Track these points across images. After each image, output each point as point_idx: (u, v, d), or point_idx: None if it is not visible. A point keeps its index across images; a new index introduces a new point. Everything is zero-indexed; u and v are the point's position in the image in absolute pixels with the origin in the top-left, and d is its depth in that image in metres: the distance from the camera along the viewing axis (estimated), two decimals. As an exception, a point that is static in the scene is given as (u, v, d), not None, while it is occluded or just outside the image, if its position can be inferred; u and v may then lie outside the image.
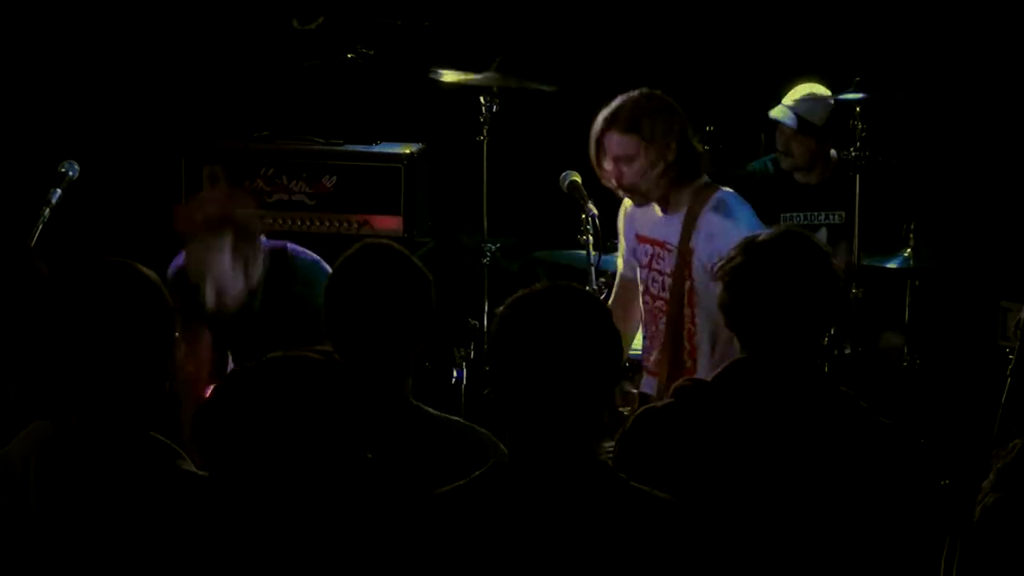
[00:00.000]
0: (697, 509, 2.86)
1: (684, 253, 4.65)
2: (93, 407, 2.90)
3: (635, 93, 4.76)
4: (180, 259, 4.68)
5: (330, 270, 4.66)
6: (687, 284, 4.66)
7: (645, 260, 4.82)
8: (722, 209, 4.65)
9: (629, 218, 4.88)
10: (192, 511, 2.84)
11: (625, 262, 4.94)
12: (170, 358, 2.97)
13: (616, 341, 2.86)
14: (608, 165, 4.67)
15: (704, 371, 4.59)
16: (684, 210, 4.65)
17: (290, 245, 4.86)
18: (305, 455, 2.70)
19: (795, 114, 5.89)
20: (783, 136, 5.96)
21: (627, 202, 4.85)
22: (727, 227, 4.56)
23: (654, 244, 4.79)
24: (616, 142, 4.67)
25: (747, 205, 4.70)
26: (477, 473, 2.85)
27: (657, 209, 4.77)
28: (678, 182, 4.68)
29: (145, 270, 2.98)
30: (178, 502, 2.86)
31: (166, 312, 2.96)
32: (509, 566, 2.75)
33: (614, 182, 4.69)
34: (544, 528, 2.75)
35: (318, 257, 4.82)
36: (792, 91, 5.97)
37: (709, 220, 4.64)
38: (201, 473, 2.91)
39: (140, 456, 2.90)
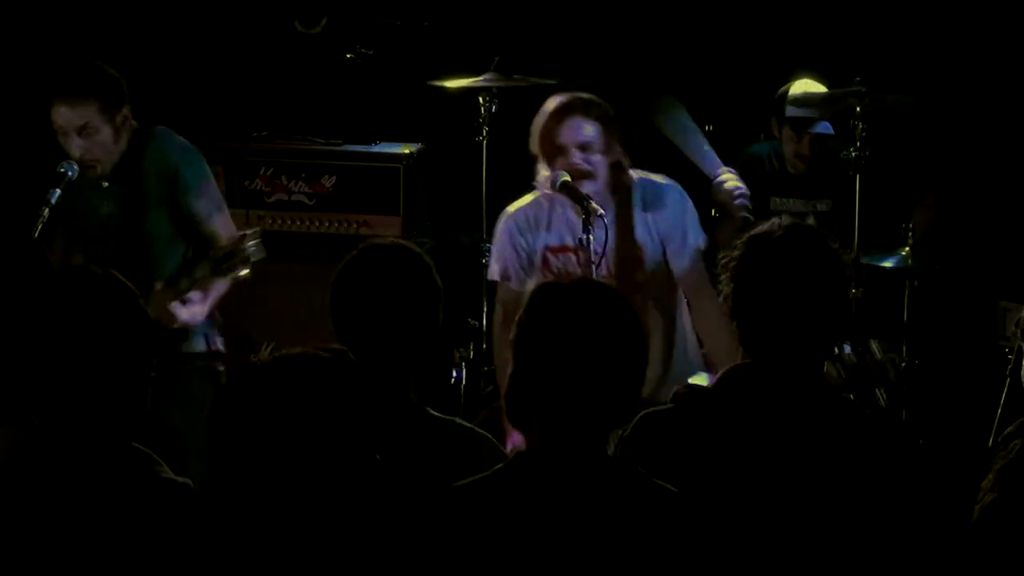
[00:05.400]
0: (714, 505, 2.87)
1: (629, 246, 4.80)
2: (70, 416, 2.89)
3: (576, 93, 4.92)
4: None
5: (194, 150, 5.01)
6: (638, 270, 4.87)
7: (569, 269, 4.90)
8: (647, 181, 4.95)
9: (525, 231, 4.96)
10: (173, 519, 2.84)
11: (515, 278, 5.00)
12: (149, 369, 2.97)
13: (642, 336, 2.87)
14: (575, 150, 4.73)
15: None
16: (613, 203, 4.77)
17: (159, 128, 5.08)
18: (312, 454, 2.70)
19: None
20: (816, 144, 5.92)
21: (512, 219, 4.99)
22: (661, 186, 4.93)
23: (575, 251, 4.87)
24: (588, 128, 4.81)
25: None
26: (500, 465, 2.86)
27: (572, 212, 4.84)
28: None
29: (123, 279, 2.98)
30: (159, 510, 2.85)
31: (143, 323, 2.97)
32: (531, 558, 2.75)
33: (581, 166, 4.77)
34: (567, 520, 2.76)
35: (182, 140, 5.05)
36: (817, 93, 5.94)
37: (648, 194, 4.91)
38: (180, 480, 2.91)
39: (119, 464, 2.89)
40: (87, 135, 4.81)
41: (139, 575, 2.83)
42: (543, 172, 4.88)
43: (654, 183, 4.96)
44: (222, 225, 4.98)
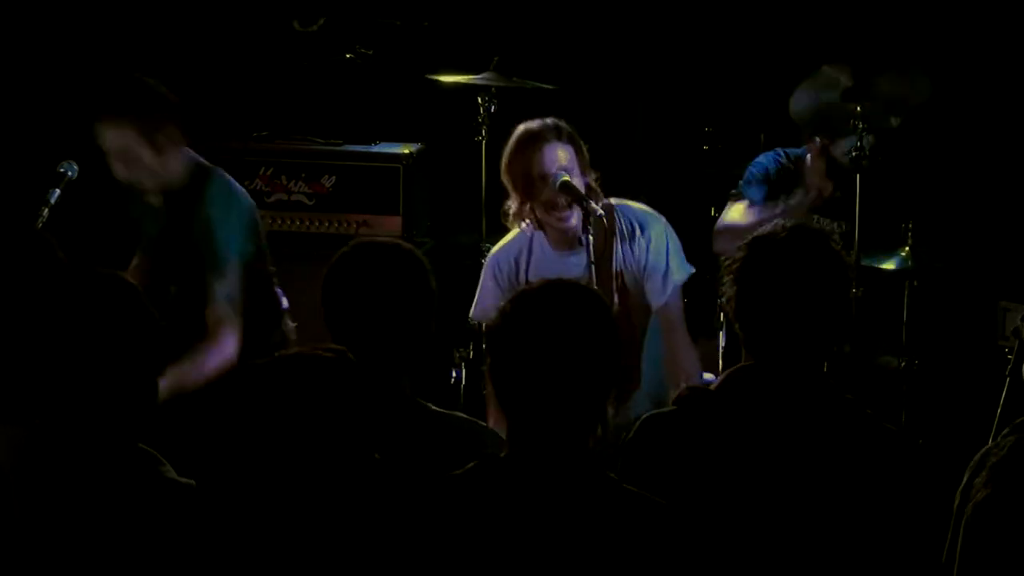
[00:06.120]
0: (689, 514, 2.86)
1: (607, 274, 4.77)
2: (76, 416, 2.89)
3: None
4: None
5: (244, 197, 4.76)
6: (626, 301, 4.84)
7: None
8: (629, 211, 4.89)
9: (508, 271, 4.91)
10: (176, 519, 2.84)
11: None
12: (156, 371, 2.97)
13: (616, 339, 2.86)
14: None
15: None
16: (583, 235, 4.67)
17: (220, 171, 4.81)
18: (314, 453, 2.71)
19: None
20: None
21: (496, 259, 4.94)
22: (645, 217, 4.88)
23: None
24: (561, 153, 4.75)
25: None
26: (469, 465, 2.86)
27: (549, 245, 4.84)
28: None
29: (130, 280, 2.99)
30: (162, 510, 2.85)
31: (149, 324, 2.97)
32: (494, 560, 2.75)
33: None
34: (531, 524, 2.76)
35: (235, 185, 4.80)
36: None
37: (629, 224, 4.85)
38: (184, 481, 2.91)
39: (124, 465, 2.89)
40: (127, 159, 4.61)
41: (142, 575, 2.83)
42: (515, 205, 4.85)
43: (636, 213, 4.91)
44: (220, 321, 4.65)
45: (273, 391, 2.73)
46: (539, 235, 4.88)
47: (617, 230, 4.84)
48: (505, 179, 4.83)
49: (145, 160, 4.61)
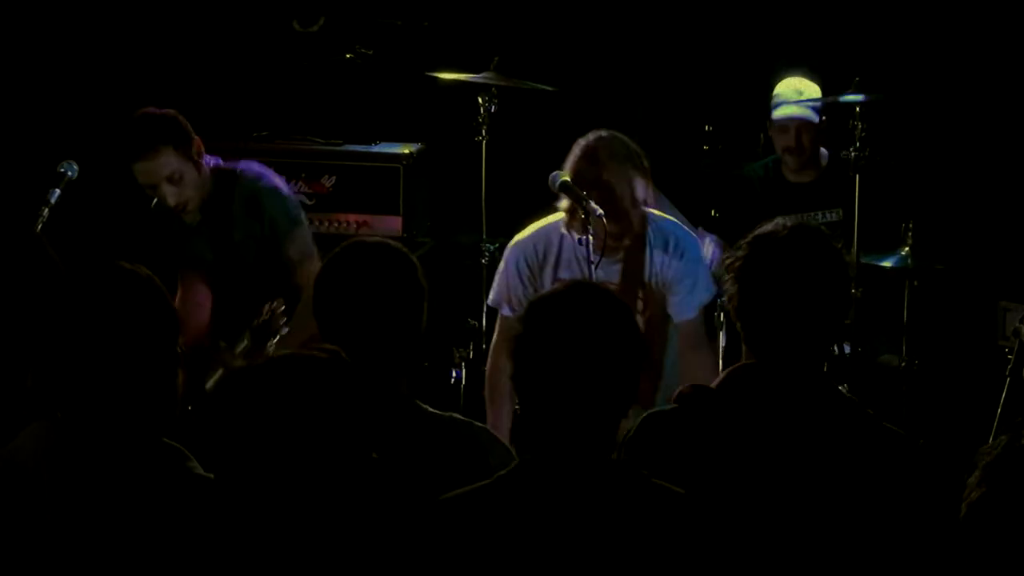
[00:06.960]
0: (719, 505, 2.87)
1: (636, 280, 4.80)
2: (101, 411, 2.89)
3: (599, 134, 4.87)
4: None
5: (285, 192, 5.10)
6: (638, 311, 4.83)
7: None
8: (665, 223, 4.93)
9: (533, 263, 4.92)
10: (203, 514, 2.84)
11: (518, 308, 4.88)
12: (177, 365, 2.98)
13: (638, 340, 2.87)
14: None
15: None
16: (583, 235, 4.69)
17: (243, 165, 5.17)
18: (311, 454, 2.71)
19: (814, 110, 5.88)
20: (802, 133, 5.89)
21: (520, 249, 4.95)
22: (682, 231, 4.95)
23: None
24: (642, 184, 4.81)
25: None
26: (502, 472, 2.86)
27: (573, 245, 4.83)
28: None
29: (150, 274, 2.99)
30: (189, 505, 2.86)
31: (171, 318, 2.97)
32: (536, 565, 2.76)
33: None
34: (572, 527, 2.76)
35: (273, 181, 5.15)
36: (797, 87, 5.93)
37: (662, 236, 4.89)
38: (211, 476, 2.91)
39: (151, 460, 2.90)
40: (176, 181, 4.93)
41: (168, 569, 2.83)
42: (565, 207, 4.83)
43: (673, 228, 4.94)
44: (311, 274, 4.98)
45: (268, 392, 2.73)
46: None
47: (648, 239, 4.84)
48: (617, 199, 4.76)
49: (188, 177, 4.95)
